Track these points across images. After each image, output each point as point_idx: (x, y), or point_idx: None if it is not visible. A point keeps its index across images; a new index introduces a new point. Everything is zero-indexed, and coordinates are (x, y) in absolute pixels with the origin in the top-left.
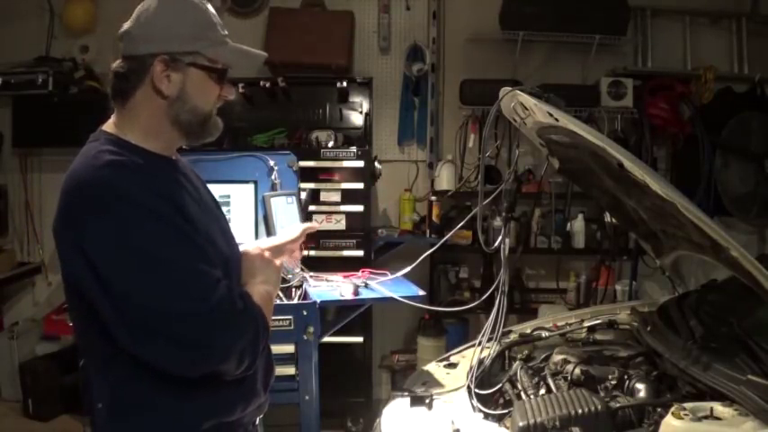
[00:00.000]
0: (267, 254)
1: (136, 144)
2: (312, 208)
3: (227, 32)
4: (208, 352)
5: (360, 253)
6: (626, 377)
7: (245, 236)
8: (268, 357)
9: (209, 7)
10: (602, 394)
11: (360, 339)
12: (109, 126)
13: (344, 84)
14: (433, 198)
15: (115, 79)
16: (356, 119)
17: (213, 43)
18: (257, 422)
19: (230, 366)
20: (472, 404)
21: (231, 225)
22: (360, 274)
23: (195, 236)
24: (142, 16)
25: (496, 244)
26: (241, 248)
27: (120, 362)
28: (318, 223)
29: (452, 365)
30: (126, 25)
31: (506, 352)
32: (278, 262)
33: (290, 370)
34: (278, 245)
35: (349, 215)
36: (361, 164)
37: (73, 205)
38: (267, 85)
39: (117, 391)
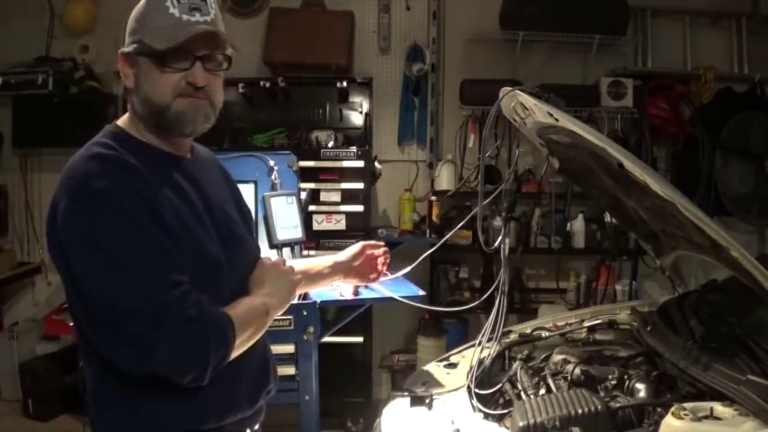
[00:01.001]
0: (286, 267)
1: (139, 138)
2: (312, 208)
3: (186, 12)
4: (149, 353)
5: None
6: (626, 377)
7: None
8: (263, 369)
9: None
10: (602, 394)
11: (360, 339)
12: (122, 120)
13: (344, 84)
14: (433, 198)
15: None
16: (356, 119)
17: (154, 28)
18: None
19: (174, 373)
20: (472, 404)
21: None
22: None
23: (162, 238)
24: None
25: (496, 244)
26: (262, 255)
27: (99, 360)
28: (318, 223)
29: (452, 365)
30: None
31: (506, 352)
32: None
33: (290, 370)
34: (341, 262)
35: (349, 215)
36: (361, 164)
37: (56, 195)
38: (267, 85)
39: (99, 390)
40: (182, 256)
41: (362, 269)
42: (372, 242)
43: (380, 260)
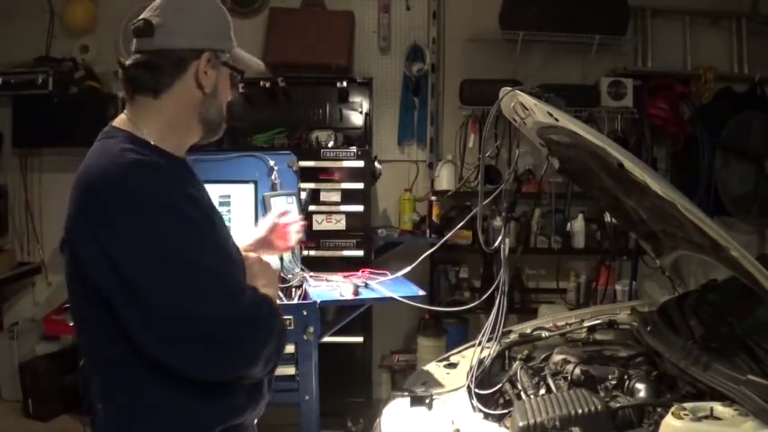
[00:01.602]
0: (263, 257)
1: (153, 143)
2: (312, 208)
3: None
4: (239, 355)
5: (360, 253)
6: (626, 377)
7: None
8: None
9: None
10: (602, 394)
11: (360, 339)
12: (122, 123)
13: (344, 84)
14: (433, 198)
15: (145, 72)
16: (356, 119)
17: (235, 47)
18: (254, 423)
19: (257, 369)
20: (472, 404)
21: (231, 225)
22: (360, 274)
23: (220, 240)
24: (169, 8)
25: (496, 244)
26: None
27: (135, 366)
28: (318, 223)
29: (452, 365)
30: (148, 15)
31: (506, 352)
32: (270, 260)
33: (290, 370)
34: (261, 238)
35: (349, 215)
36: (361, 164)
37: (99, 205)
38: (267, 85)
39: (131, 395)
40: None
41: (275, 240)
42: (285, 214)
43: (294, 228)
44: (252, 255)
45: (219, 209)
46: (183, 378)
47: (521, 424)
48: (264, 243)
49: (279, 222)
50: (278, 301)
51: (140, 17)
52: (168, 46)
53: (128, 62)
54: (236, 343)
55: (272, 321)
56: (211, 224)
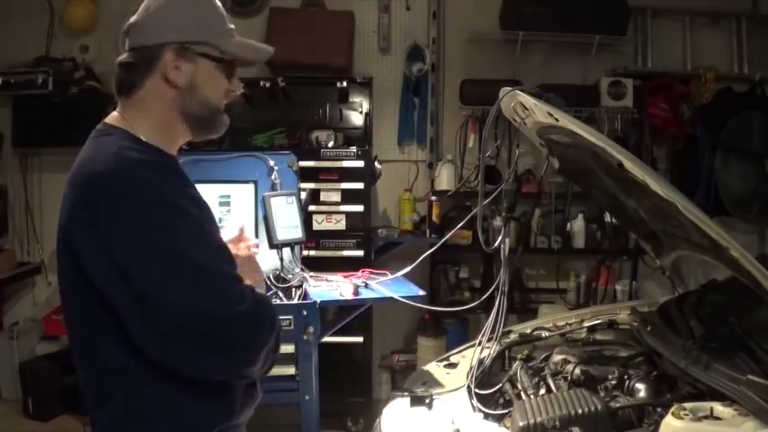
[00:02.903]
0: (252, 252)
1: (145, 140)
2: (312, 208)
3: (233, 26)
4: (240, 354)
5: (360, 253)
6: (626, 377)
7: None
8: None
9: None
10: (602, 394)
11: (360, 339)
12: (115, 120)
13: (344, 84)
14: (433, 198)
15: (121, 71)
16: (356, 119)
17: (221, 34)
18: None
19: (256, 369)
20: (472, 404)
21: (232, 225)
22: (360, 274)
23: (218, 238)
24: (151, 7)
25: (496, 244)
26: None
27: (134, 368)
28: (318, 223)
29: (452, 365)
30: (133, 18)
31: (506, 352)
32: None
33: (290, 370)
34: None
35: (349, 215)
36: (361, 164)
37: (100, 203)
38: (267, 85)
39: (129, 398)
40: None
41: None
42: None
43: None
44: (242, 254)
45: (219, 209)
46: (180, 380)
47: (521, 424)
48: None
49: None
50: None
51: None
52: (139, 44)
53: (117, 61)
54: (237, 342)
55: (272, 321)
56: (211, 223)
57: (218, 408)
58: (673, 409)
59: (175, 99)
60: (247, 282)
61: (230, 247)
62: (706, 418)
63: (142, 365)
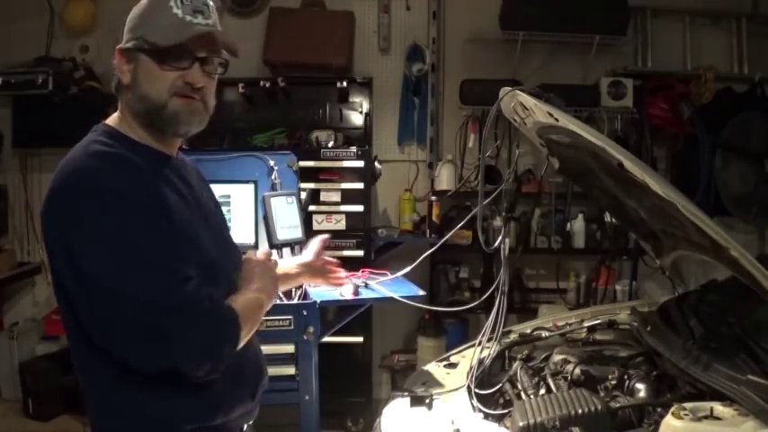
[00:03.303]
0: (271, 261)
1: (130, 137)
2: (312, 208)
3: (190, 13)
4: (166, 346)
5: (360, 253)
6: (626, 377)
7: (245, 236)
8: (257, 363)
9: None
10: (602, 394)
11: (360, 339)
12: (111, 119)
13: (344, 84)
14: (433, 198)
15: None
16: (356, 119)
17: (158, 27)
18: (245, 428)
19: (190, 366)
20: (472, 404)
21: (231, 225)
22: (360, 274)
23: (171, 232)
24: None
25: (496, 244)
26: (246, 255)
27: (104, 364)
28: (318, 223)
29: (452, 365)
30: None
31: (506, 352)
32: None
33: (290, 370)
34: (307, 263)
35: (349, 215)
36: (361, 164)
37: (57, 191)
38: (267, 85)
39: (103, 394)
40: (188, 252)
41: (323, 268)
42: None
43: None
44: (258, 257)
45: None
46: (150, 377)
47: (521, 424)
48: (312, 269)
49: (320, 249)
50: (270, 304)
51: None
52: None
53: None
54: (164, 332)
55: (211, 318)
56: (167, 218)
57: (189, 407)
58: (673, 409)
59: (127, 99)
60: (255, 285)
61: (311, 262)
62: (706, 418)
63: (111, 361)
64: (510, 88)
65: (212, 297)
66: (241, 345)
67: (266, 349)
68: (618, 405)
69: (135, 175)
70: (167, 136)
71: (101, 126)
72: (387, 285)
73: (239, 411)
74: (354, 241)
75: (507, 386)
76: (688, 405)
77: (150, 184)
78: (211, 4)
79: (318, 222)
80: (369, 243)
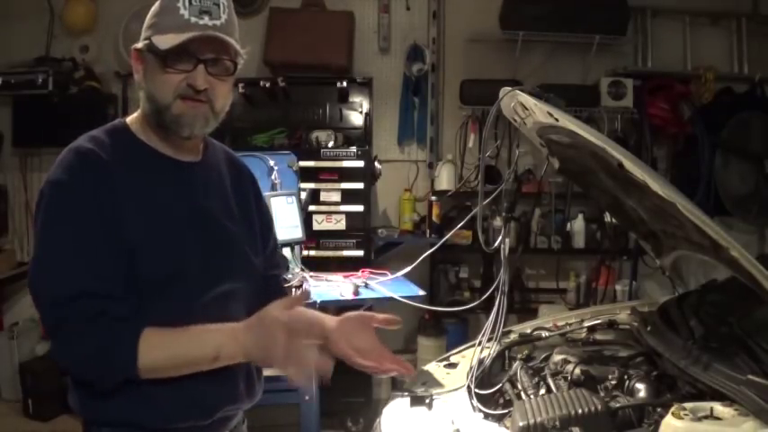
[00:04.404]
0: (281, 330)
1: (138, 136)
2: (312, 208)
3: (196, 14)
4: (54, 344)
5: (360, 253)
6: (626, 377)
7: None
8: (229, 385)
9: None
10: (602, 394)
11: None
12: (133, 115)
13: (344, 84)
14: (433, 198)
15: None
16: (356, 119)
17: (162, 28)
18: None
19: (75, 373)
20: (472, 404)
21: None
22: (360, 274)
23: (96, 242)
24: None
25: (496, 244)
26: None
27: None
28: (318, 223)
29: (452, 365)
30: None
31: (506, 352)
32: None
33: None
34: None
35: (349, 215)
36: (361, 164)
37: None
38: (267, 85)
39: (80, 392)
40: (119, 264)
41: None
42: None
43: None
44: (274, 314)
45: None
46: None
47: (521, 424)
48: (351, 327)
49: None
50: (233, 360)
51: None
52: None
53: None
54: (53, 338)
55: (90, 339)
56: (115, 225)
57: (145, 412)
58: (673, 409)
59: (141, 97)
60: (242, 336)
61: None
62: (706, 418)
63: None
64: (510, 88)
65: (104, 315)
66: (159, 375)
67: None
68: (618, 405)
69: (91, 175)
70: (172, 137)
71: (115, 121)
72: (387, 285)
73: (183, 423)
74: (354, 241)
75: (507, 386)
76: (688, 405)
77: (108, 187)
78: (225, 3)
79: (318, 222)
80: (369, 243)
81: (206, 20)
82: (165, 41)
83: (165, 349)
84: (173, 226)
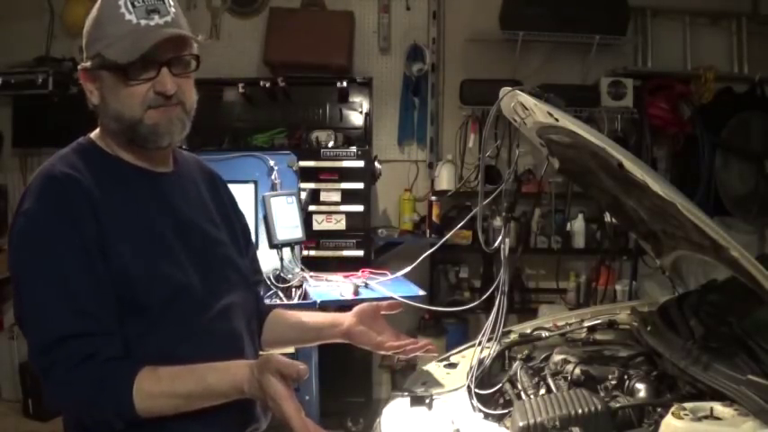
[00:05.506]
0: (278, 386)
1: (109, 153)
2: (312, 208)
3: (144, 16)
4: (46, 393)
5: (360, 253)
6: (626, 377)
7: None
8: (244, 408)
9: None
10: (602, 394)
11: None
12: (95, 132)
13: (344, 84)
14: (433, 198)
15: None
16: (356, 119)
17: (112, 39)
18: None
19: (84, 411)
20: (472, 404)
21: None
22: (360, 274)
23: (78, 274)
24: None
25: (496, 244)
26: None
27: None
28: (318, 223)
29: (452, 365)
30: None
31: (506, 352)
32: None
33: None
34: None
35: (349, 215)
36: (361, 164)
37: (15, 215)
38: (267, 85)
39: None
40: (106, 296)
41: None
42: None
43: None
44: (274, 364)
45: None
46: None
47: (521, 424)
48: (366, 317)
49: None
50: (223, 399)
51: None
52: None
53: None
54: (47, 375)
55: (80, 386)
56: (96, 250)
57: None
58: (673, 409)
59: (100, 118)
60: (241, 375)
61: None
62: (706, 418)
63: None
64: (510, 88)
65: (93, 358)
66: (153, 414)
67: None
68: (618, 405)
69: (67, 203)
70: (149, 151)
71: (81, 139)
72: (387, 285)
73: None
74: (354, 241)
75: (507, 386)
76: (688, 405)
77: (89, 211)
78: None
79: (318, 222)
80: (369, 243)
81: (156, 19)
82: (123, 54)
83: (164, 388)
84: (162, 245)
